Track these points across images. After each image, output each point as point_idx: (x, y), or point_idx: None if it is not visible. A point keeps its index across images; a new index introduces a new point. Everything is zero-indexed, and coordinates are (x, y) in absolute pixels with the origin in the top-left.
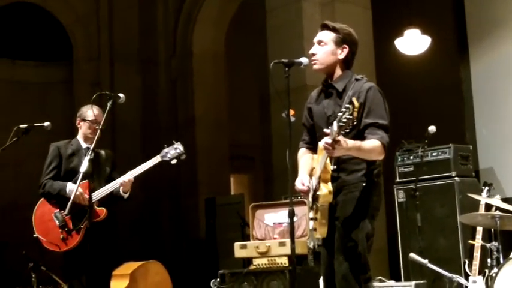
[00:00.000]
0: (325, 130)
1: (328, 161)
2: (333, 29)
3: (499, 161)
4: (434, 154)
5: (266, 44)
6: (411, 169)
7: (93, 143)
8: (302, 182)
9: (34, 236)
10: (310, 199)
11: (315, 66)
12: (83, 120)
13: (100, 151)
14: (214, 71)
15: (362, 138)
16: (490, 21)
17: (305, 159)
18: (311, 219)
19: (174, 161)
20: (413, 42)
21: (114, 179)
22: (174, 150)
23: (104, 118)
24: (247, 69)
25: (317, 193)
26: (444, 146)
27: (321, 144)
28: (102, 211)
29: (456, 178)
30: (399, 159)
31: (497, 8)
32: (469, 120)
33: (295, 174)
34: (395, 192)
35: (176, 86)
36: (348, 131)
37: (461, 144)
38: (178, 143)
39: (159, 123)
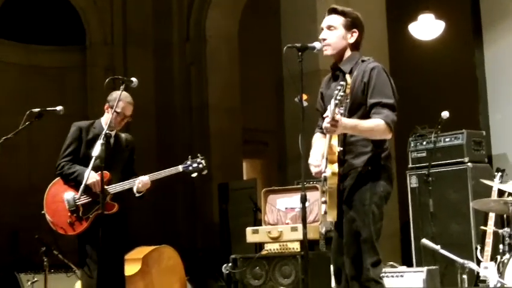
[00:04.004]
0: (325, 115)
1: (334, 142)
2: (342, 13)
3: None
4: (447, 140)
5: (280, 27)
6: (424, 154)
7: (107, 126)
8: (316, 158)
9: (42, 212)
10: (322, 182)
11: (326, 52)
12: (111, 107)
13: (121, 135)
14: (228, 55)
15: (368, 118)
16: (504, 6)
17: (318, 143)
18: (323, 202)
19: (194, 175)
20: (427, 27)
21: (132, 165)
22: (196, 164)
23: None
24: (262, 52)
25: (324, 175)
26: (457, 132)
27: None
28: (113, 206)
29: (469, 164)
30: (412, 145)
31: None
32: (482, 105)
33: (308, 159)
34: (408, 178)
35: (190, 71)
36: (343, 109)
37: (475, 129)
38: (202, 157)
39: (173, 107)
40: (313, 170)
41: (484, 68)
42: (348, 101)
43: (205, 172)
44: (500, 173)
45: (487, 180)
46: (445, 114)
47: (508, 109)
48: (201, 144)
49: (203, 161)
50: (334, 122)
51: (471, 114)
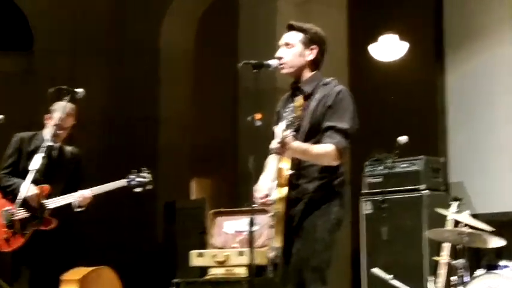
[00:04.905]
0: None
1: (283, 165)
2: (300, 29)
3: (470, 175)
4: (403, 165)
5: (238, 41)
6: (380, 180)
7: (50, 137)
8: (260, 189)
9: None
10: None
11: (283, 71)
12: (51, 118)
13: (66, 148)
14: (182, 67)
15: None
16: (468, 29)
17: (270, 167)
18: (270, 227)
19: (138, 189)
20: (387, 48)
21: (76, 180)
22: (141, 179)
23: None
24: (218, 65)
25: (270, 198)
26: (415, 158)
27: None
28: (52, 221)
29: (425, 191)
30: (367, 169)
31: (476, 18)
32: (441, 131)
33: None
34: (362, 204)
35: (142, 82)
36: (294, 131)
37: (434, 156)
38: (148, 171)
39: (122, 119)
40: (257, 201)
41: (445, 93)
42: (298, 123)
43: (150, 187)
44: (456, 202)
45: (442, 209)
46: (402, 139)
47: (468, 136)
48: (149, 158)
49: (148, 175)
50: (283, 144)
51: (431, 140)
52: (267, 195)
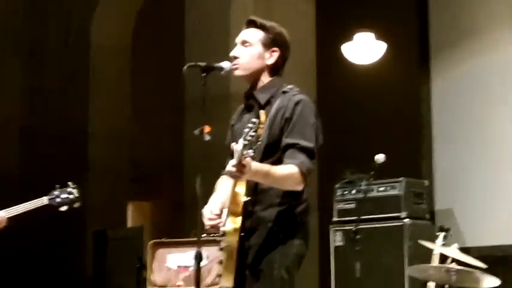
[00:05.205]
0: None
1: (239, 189)
2: (262, 27)
3: (459, 201)
4: (381, 189)
5: (184, 40)
6: (353, 206)
7: None
8: (211, 209)
9: None
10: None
11: (236, 72)
12: None
13: None
14: (117, 69)
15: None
16: (458, 29)
17: (223, 187)
18: (219, 262)
19: (63, 208)
20: (363, 49)
21: None
22: (66, 195)
23: None
24: (161, 68)
25: (222, 229)
26: (394, 180)
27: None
28: None
29: (406, 220)
30: (338, 193)
31: (468, 14)
32: (426, 148)
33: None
34: (332, 234)
35: (68, 86)
36: (252, 151)
37: (416, 178)
38: (74, 186)
39: (44, 131)
40: (207, 222)
41: (430, 102)
42: (260, 142)
43: (77, 205)
44: (443, 233)
45: (427, 242)
46: (380, 157)
47: (457, 155)
48: (76, 178)
49: (75, 191)
50: (241, 167)
51: (414, 159)
52: (219, 215)
